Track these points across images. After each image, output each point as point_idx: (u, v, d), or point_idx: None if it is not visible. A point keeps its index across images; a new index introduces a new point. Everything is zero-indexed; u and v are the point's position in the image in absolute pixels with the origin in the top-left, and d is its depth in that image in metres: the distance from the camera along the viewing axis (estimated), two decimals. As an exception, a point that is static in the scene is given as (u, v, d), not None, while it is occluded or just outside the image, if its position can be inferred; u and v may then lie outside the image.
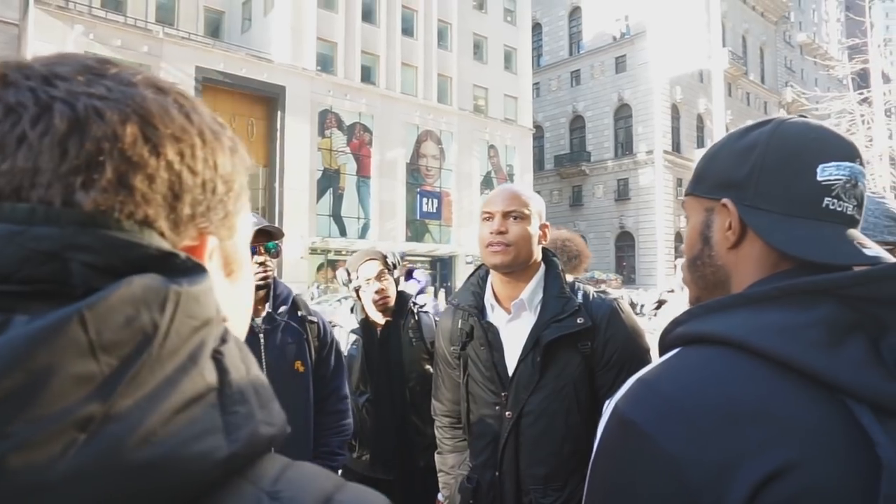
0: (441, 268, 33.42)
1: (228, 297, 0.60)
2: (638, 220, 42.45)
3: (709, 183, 0.97)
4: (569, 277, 2.11)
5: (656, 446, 0.76)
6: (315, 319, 2.59)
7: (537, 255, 2.04)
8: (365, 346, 3.00)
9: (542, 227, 2.06)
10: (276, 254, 2.41)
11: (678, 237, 39.90)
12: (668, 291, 8.02)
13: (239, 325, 0.62)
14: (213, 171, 0.55)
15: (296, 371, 2.47)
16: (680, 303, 4.77)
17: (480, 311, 2.09)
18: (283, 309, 2.50)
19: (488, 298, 2.10)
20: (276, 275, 2.51)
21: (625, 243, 43.52)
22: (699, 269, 0.99)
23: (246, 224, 0.62)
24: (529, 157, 38.03)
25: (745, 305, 0.84)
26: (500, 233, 1.96)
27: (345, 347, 3.03)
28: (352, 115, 30.30)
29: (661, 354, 0.91)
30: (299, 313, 2.56)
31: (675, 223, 40.65)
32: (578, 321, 1.95)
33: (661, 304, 7.85)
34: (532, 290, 2.02)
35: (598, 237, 43.76)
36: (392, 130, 31.50)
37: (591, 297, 2.04)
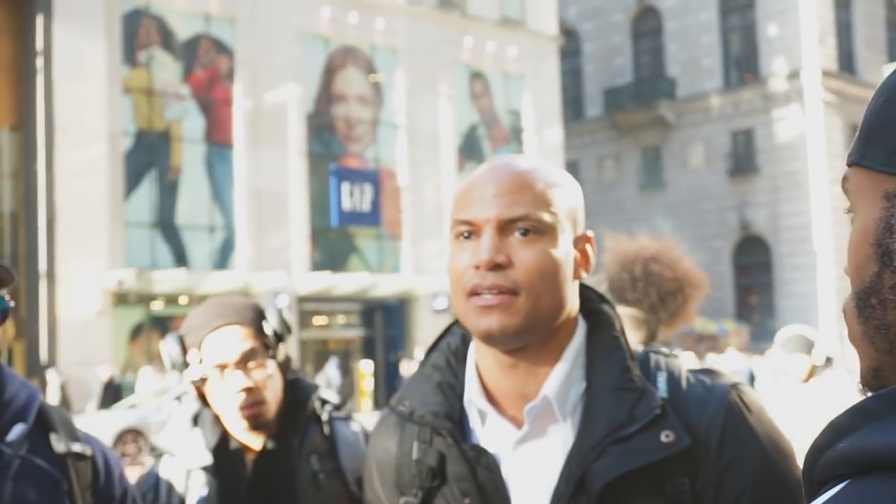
0: (384, 323, 23.87)
1: None
2: (776, 210, 30.86)
3: (892, 143, 0.67)
4: (633, 341, 1.83)
5: None
6: (87, 452, 1.94)
7: (572, 303, 1.37)
8: (223, 495, 2.20)
9: (582, 240, 1.37)
10: (1, 316, 1.82)
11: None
12: (826, 360, 5.37)
13: None
14: None
15: None
16: (844, 382, 3.93)
17: (458, 423, 1.41)
18: (17, 432, 1.82)
19: (474, 396, 1.40)
20: (3, 358, 2.04)
21: (751, 259, 31.82)
22: (877, 312, 0.67)
23: None
24: (555, 93, 27.87)
25: None
26: (498, 266, 1.28)
27: None
28: (192, 20, 21.72)
29: (807, 493, 0.65)
30: (52, 439, 1.89)
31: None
32: (664, 438, 1.30)
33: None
34: (564, 376, 1.36)
35: (699, 248, 30.23)
36: (275, 49, 22.58)
37: (683, 382, 1.37)
